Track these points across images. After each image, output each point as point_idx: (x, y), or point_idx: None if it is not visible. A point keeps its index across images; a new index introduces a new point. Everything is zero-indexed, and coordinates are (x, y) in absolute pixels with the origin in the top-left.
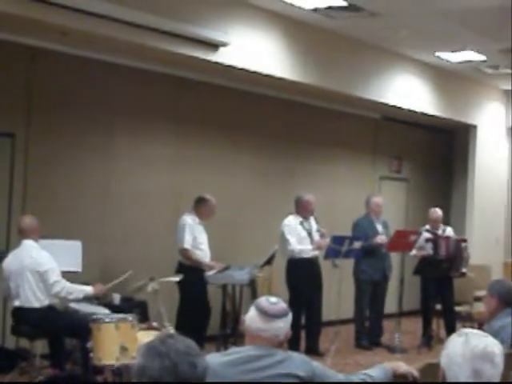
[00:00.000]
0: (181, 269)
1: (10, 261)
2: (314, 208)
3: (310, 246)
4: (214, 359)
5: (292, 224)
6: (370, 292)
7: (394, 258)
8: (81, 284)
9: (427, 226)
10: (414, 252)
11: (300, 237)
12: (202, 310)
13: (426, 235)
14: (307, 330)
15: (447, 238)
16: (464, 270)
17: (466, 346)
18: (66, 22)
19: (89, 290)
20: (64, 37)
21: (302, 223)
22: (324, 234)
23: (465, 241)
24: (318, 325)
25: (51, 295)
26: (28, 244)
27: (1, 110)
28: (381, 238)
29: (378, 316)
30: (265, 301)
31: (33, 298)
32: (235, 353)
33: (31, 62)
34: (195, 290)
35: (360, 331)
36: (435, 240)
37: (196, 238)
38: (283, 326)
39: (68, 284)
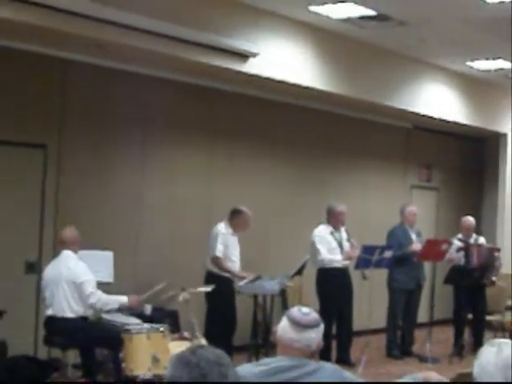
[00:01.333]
0: (209, 278)
1: (49, 270)
2: (345, 219)
3: (340, 256)
4: (248, 369)
5: (322, 234)
6: (403, 301)
7: (426, 267)
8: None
9: (459, 235)
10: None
11: (330, 247)
12: (229, 319)
13: (458, 244)
14: (338, 339)
15: (479, 245)
16: (494, 279)
17: (498, 356)
18: (99, 35)
19: (124, 300)
20: (99, 50)
21: (332, 233)
22: (354, 245)
23: (498, 250)
24: (349, 335)
25: (87, 306)
26: (66, 254)
27: (33, 121)
28: (416, 246)
29: (411, 325)
30: (297, 311)
31: (67, 308)
32: (268, 363)
33: (64, 74)
34: (223, 300)
35: (392, 340)
36: (467, 248)
37: (228, 247)
38: (315, 336)
39: (104, 295)
